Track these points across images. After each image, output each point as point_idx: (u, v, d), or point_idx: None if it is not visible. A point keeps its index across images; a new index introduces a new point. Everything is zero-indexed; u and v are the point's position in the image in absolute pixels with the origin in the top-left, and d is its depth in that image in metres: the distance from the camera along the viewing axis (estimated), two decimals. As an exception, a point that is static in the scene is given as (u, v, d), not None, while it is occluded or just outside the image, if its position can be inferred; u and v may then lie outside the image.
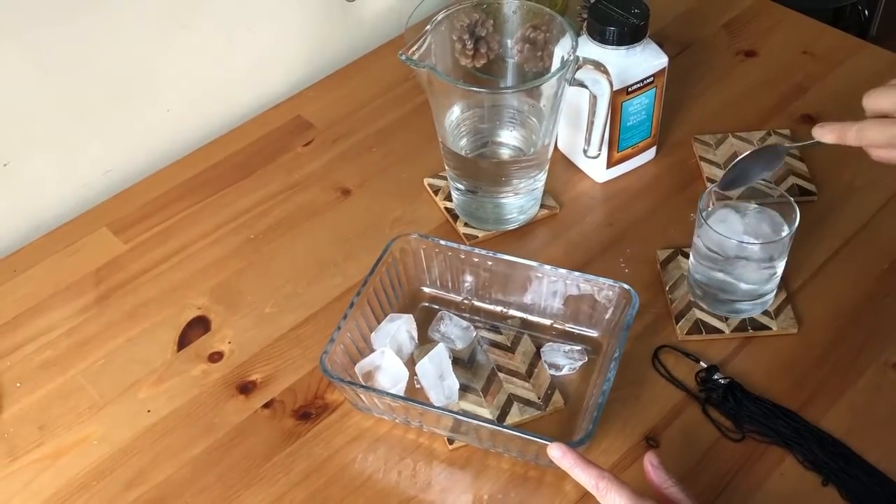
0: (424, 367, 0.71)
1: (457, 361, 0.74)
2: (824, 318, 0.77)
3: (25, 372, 0.77)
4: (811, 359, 0.75)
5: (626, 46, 0.81)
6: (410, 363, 0.73)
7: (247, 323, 0.79)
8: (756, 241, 0.74)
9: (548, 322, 0.77)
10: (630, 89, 0.83)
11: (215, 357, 0.77)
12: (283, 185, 0.91)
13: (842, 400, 0.72)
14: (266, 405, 0.74)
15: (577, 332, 0.76)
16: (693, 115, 0.96)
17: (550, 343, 0.75)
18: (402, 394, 0.71)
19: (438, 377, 0.70)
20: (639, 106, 0.85)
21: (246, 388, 0.75)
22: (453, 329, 0.76)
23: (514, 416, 0.71)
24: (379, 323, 0.75)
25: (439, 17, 0.78)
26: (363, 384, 0.71)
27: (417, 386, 0.72)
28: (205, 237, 0.87)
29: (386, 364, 0.72)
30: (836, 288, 0.79)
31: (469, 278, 0.78)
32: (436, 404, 0.70)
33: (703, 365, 0.74)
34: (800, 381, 0.74)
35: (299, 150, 0.94)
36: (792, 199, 0.74)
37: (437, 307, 0.78)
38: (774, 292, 0.77)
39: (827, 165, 0.89)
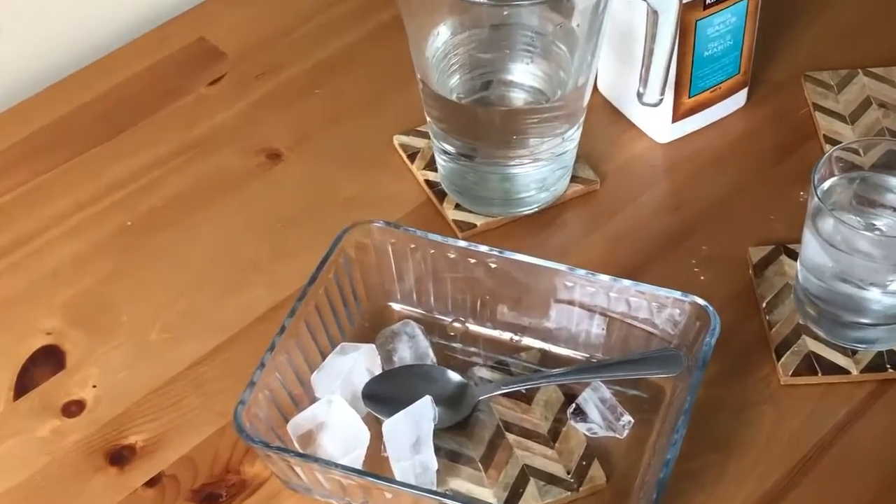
0: (396, 425, 0.71)
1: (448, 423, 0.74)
2: None
3: None
4: (981, 413, 0.75)
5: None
6: (373, 419, 0.73)
7: (121, 357, 0.79)
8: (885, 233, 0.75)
9: (581, 356, 0.78)
10: (709, 1, 0.83)
11: (73, 408, 0.77)
12: (177, 145, 0.91)
13: None
14: (150, 483, 0.74)
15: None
16: (804, 41, 0.96)
17: (587, 389, 0.75)
18: (359, 466, 0.71)
19: (412, 446, 0.71)
20: (722, 27, 0.86)
21: (120, 457, 0.75)
22: (408, 352, 0.76)
23: (531, 499, 0.72)
24: (324, 357, 0.75)
25: None
26: (299, 451, 0.71)
27: (384, 454, 0.72)
28: (57, 224, 0.86)
29: (335, 420, 0.72)
30: None
31: (462, 289, 0.78)
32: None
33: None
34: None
35: (203, 90, 0.94)
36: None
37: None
38: (926, 312, 0.78)
39: None
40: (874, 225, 0.76)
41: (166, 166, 0.90)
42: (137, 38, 0.98)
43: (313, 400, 0.74)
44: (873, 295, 0.75)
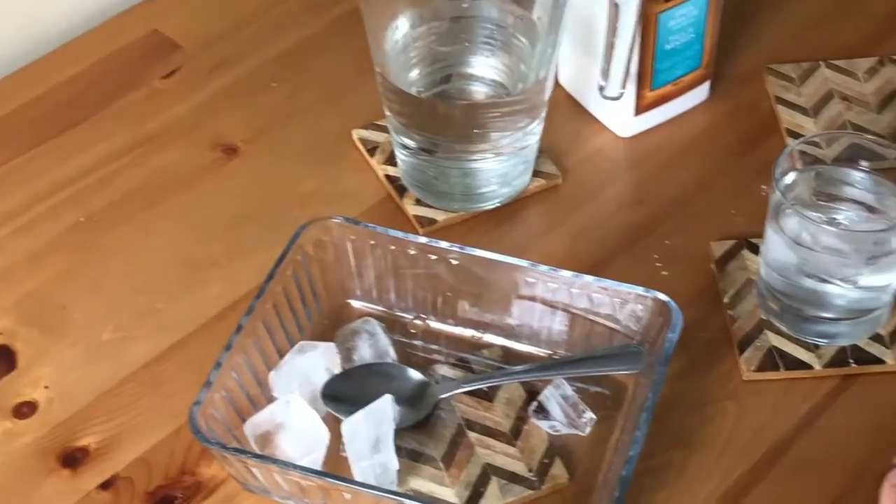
0: (356, 425, 0.71)
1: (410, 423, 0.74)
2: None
3: None
4: (944, 408, 0.76)
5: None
6: (332, 419, 0.73)
7: (73, 357, 0.79)
8: (863, 229, 0.75)
9: (544, 353, 0.78)
10: (670, -6, 0.84)
11: (24, 410, 0.76)
12: (130, 140, 0.90)
13: None
14: (104, 485, 0.73)
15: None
16: (766, 34, 0.96)
17: (549, 387, 0.75)
18: (318, 467, 0.71)
19: (372, 446, 0.70)
20: (683, 19, 0.85)
21: (73, 459, 0.74)
22: (368, 350, 0.76)
23: (493, 498, 0.71)
24: (282, 356, 0.75)
25: None
26: (257, 452, 0.71)
27: (343, 454, 0.72)
28: (8, 221, 0.86)
29: (293, 420, 0.72)
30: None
31: (423, 286, 0.78)
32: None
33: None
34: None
35: (157, 83, 0.94)
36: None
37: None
38: (890, 306, 0.78)
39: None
40: (835, 219, 0.76)
41: (120, 161, 0.89)
42: (89, 31, 0.97)
43: (271, 400, 0.73)
44: (836, 289, 0.75)
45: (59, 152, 0.90)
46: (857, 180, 0.77)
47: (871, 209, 0.76)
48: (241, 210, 0.86)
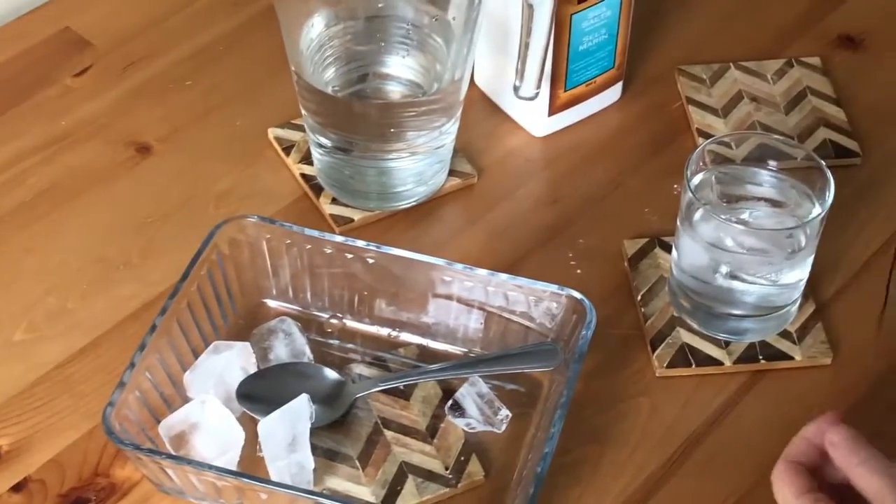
0: (272, 425, 0.71)
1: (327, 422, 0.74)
2: (871, 342, 0.80)
3: None
4: (852, 402, 0.77)
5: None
6: (248, 419, 0.73)
7: (-16, 358, 0.78)
8: (771, 227, 0.76)
9: (460, 351, 0.78)
10: (584, -5, 0.84)
11: (-68, 413, 0.75)
12: (42, 138, 0.89)
13: None
14: (16, 488, 0.72)
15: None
16: (677, 35, 0.98)
17: (465, 385, 0.75)
18: (233, 467, 0.71)
19: (288, 445, 0.70)
20: (596, 21, 0.86)
21: (-17, 462, 0.73)
22: (284, 350, 0.76)
23: (410, 496, 0.72)
24: (197, 356, 0.74)
25: None
26: (171, 453, 0.70)
27: (260, 454, 0.71)
28: (-86, 221, 0.85)
29: (208, 420, 0.71)
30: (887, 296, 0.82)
31: (339, 285, 0.78)
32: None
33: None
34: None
35: (69, 81, 0.93)
36: (824, 162, 0.76)
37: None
38: (798, 304, 0.79)
39: (877, 112, 0.92)
40: (744, 218, 0.77)
41: (32, 159, 0.88)
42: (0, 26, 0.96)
43: (186, 400, 0.73)
44: (748, 287, 0.76)
45: (-33, 151, 0.89)
46: (764, 179, 0.78)
47: (775, 203, 0.78)
48: (156, 209, 0.86)
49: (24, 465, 0.73)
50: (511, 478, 0.73)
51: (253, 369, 0.75)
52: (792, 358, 0.78)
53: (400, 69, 0.83)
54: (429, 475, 0.72)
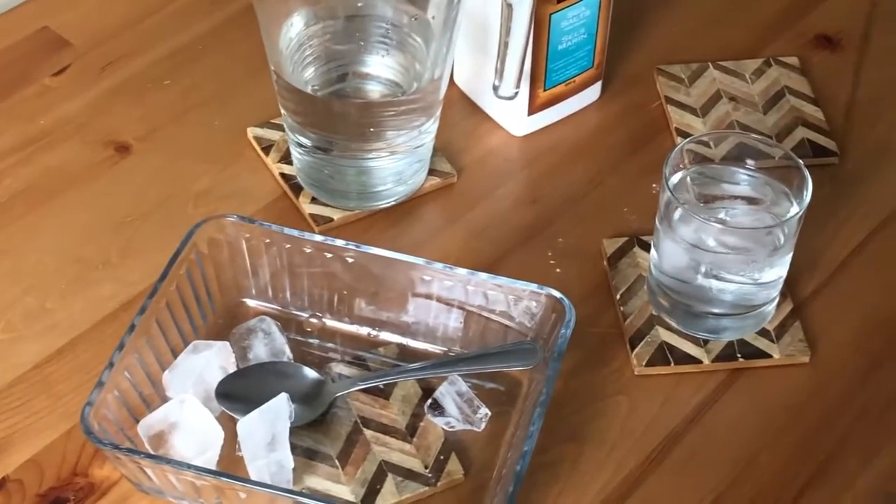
0: (251, 424, 0.71)
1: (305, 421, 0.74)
2: (848, 340, 0.80)
3: None
4: (830, 400, 0.78)
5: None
6: (228, 418, 0.73)
7: (-38, 358, 0.78)
8: (748, 226, 0.76)
9: (439, 350, 0.78)
10: (563, -5, 0.85)
11: None
12: (20, 138, 0.89)
13: (877, 462, 0.75)
14: (-6, 488, 0.72)
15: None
16: (656, 35, 0.98)
17: (444, 384, 0.76)
18: (213, 466, 0.71)
19: (267, 445, 0.70)
20: (576, 20, 0.87)
21: (-39, 463, 0.73)
22: (263, 349, 0.76)
23: (389, 495, 0.72)
24: (176, 356, 0.74)
25: None
26: (150, 452, 0.70)
27: (239, 453, 0.71)
28: None
29: (187, 420, 0.71)
30: (866, 294, 0.82)
31: (318, 284, 0.78)
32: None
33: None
34: (813, 435, 0.76)
35: (47, 81, 0.93)
36: (802, 161, 0.77)
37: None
38: (776, 302, 0.80)
39: (855, 111, 0.92)
40: (722, 217, 0.78)
41: (10, 159, 0.88)
42: (-23, 27, 0.96)
43: (165, 400, 0.73)
44: (727, 286, 0.77)
45: (-56, 151, 0.88)
46: (741, 178, 0.79)
47: (751, 201, 0.78)
48: (135, 209, 0.85)
49: (3, 465, 0.73)
50: (490, 476, 0.73)
51: (232, 368, 0.75)
52: (770, 356, 0.79)
53: (379, 68, 0.84)
54: (408, 474, 0.72)
